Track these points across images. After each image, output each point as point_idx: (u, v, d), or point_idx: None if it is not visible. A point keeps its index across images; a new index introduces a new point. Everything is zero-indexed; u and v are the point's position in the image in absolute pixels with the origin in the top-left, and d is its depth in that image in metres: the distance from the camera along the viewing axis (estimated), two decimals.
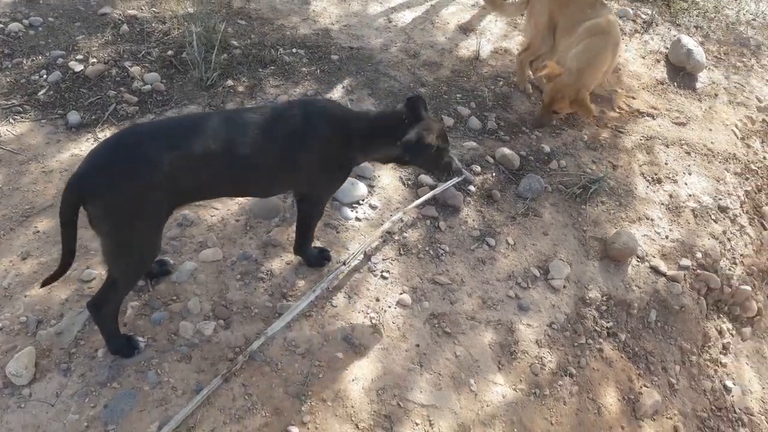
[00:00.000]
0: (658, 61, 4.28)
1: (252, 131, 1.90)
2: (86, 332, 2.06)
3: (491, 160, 3.14)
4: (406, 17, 4.15)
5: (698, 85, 4.19)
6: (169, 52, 3.36)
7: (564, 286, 2.68)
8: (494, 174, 3.08)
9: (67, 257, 1.82)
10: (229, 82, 3.25)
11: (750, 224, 3.40)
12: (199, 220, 2.54)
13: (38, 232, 2.39)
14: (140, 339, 2.06)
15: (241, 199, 2.65)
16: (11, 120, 2.86)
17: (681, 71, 4.21)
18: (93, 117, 2.95)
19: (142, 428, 1.85)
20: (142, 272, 2.03)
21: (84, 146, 2.79)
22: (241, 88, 3.24)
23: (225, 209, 2.61)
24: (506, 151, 3.15)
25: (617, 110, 3.79)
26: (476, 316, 2.47)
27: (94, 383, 1.93)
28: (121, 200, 1.72)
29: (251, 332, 2.17)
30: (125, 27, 3.48)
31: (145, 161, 1.72)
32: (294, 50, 3.60)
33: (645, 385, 2.56)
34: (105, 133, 2.87)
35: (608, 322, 2.67)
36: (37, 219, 2.43)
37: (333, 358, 2.15)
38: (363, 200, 2.79)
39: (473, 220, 2.84)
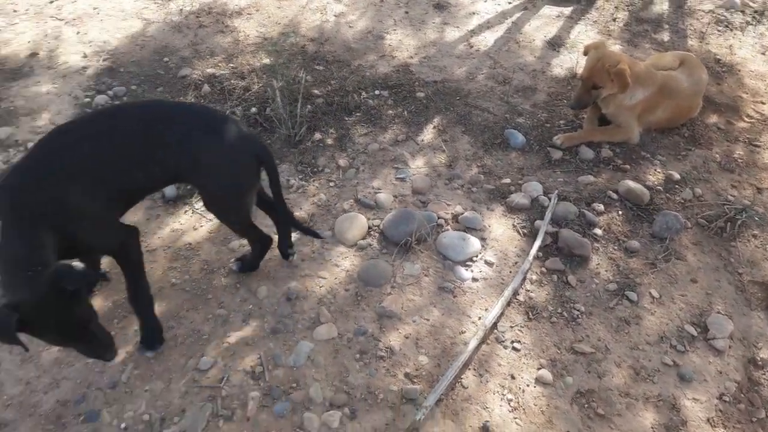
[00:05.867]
0: None
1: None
2: (210, 428, 1.92)
3: (614, 196, 2.78)
4: (487, 39, 3.85)
5: None
6: (253, 110, 3.25)
7: (729, 347, 2.28)
8: (620, 212, 2.72)
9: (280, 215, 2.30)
10: (317, 136, 3.09)
11: None
12: (307, 292, 2.37)
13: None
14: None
15: (347, 266, 2.46)
16: None
17: None
18: (188, 187, 2.87)
19: None
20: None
21: (183, 219, 2.70)
22: (329, 141, 3.07)
23: (332, 278, 2.43)
24: (631, 184, 2.78)
25: (746, 119, 3.31)
26: (630, 391, 2.13)
27: None
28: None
29: (380, 423, 1.95)
30: (206, 87, 3.41)
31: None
32: (377, 92, 3.40)
33: None
34: (201, 203, 2.78)
35: None
36: None
37: None
38: (477, 257, 2.52)
39: (606, 271, 2.50)
